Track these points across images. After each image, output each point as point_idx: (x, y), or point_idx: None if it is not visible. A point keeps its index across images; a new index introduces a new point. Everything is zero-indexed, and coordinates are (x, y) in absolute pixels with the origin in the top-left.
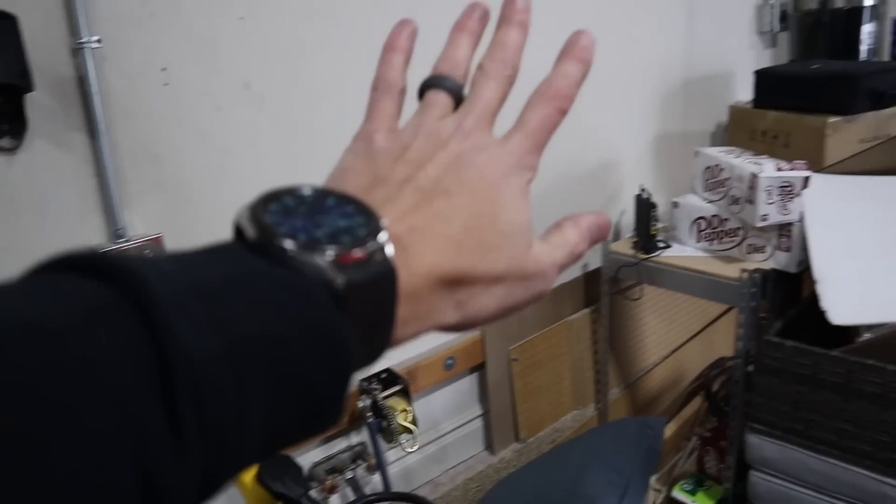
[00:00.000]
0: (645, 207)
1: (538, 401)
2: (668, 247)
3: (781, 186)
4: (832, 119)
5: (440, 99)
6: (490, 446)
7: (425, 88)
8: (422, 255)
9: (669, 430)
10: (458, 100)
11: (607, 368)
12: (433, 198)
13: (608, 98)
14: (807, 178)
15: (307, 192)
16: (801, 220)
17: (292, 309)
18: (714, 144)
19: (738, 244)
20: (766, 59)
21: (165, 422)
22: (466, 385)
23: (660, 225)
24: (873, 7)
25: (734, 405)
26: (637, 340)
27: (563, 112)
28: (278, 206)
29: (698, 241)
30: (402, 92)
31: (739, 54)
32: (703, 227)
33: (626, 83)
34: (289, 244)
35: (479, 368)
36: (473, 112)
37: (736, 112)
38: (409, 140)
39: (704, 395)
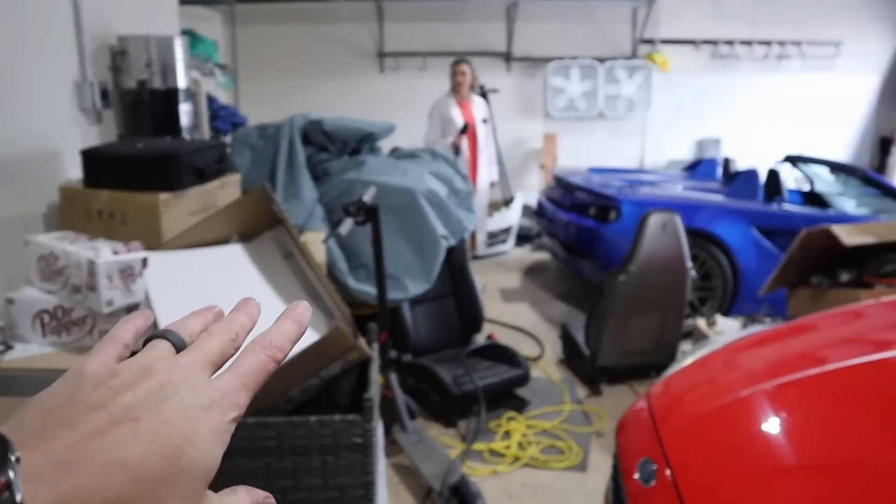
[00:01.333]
0: None
1: None
2: (9, 348)
3: (121, 270)
4: (163, 195)
5: (162, 344)
6: None
7: (150, 339)
8: (83, 484)
9: None
10: (179, 351)
11: None
12: (120, 423)
13: None
14: (145, 259)
15: None
16: (147, 299)
17: None
18: (50, 227)
19: (90, 332)
20: (94, 136)
21: None
22: None
23: None
24: (187, 89)
25: None
26: None
27: (277, 361)
28: None
29: (45, 336)
30: (127, 348)
31: (63, 132)
32: (46, 320)
33: None
34: None
35: None
36: (192, 354)
37: (67, 192)
38: (120, 370)
39: None
